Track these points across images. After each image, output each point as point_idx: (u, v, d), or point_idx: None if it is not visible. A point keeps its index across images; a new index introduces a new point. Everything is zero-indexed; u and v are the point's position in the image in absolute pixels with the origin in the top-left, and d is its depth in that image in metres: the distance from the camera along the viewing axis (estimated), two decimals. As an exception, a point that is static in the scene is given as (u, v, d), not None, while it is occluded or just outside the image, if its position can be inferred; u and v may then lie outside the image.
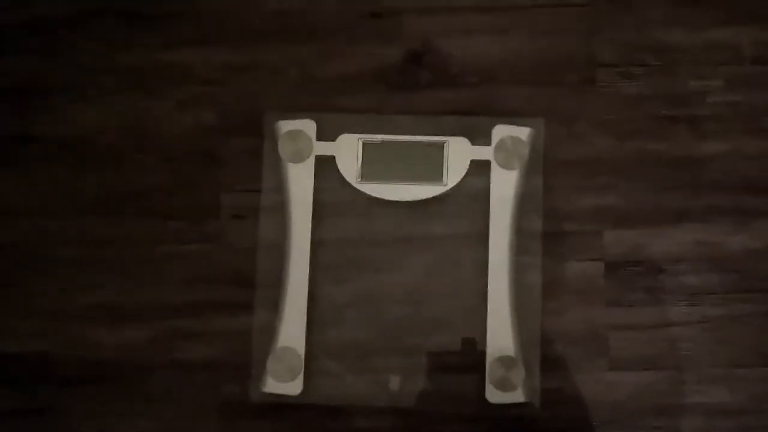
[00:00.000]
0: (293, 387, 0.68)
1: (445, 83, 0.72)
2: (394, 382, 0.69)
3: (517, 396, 0.67)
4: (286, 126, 0.71)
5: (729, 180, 0.70)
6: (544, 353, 0.68)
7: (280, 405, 0.68)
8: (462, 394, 0.68)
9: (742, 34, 0.72)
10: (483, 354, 0.68)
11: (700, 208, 0.70)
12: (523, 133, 0.70)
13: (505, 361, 0.67)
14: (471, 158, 0.70)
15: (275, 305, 0.69)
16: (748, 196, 0.70)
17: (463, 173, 0.70)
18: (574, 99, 0.72)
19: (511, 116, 0.71)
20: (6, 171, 0.72)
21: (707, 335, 0.69)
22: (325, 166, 0.70)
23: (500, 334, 0.68)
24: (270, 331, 0.69)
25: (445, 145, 0.70)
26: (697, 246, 0.70)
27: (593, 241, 0.70)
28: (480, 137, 0.70)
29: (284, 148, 0.70)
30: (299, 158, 0.70)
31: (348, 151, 0.70)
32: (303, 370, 0.68)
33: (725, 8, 0.72)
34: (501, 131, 0.70)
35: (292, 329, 0.68)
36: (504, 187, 0.69)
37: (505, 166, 0.70)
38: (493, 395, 0.67)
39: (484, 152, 0.70)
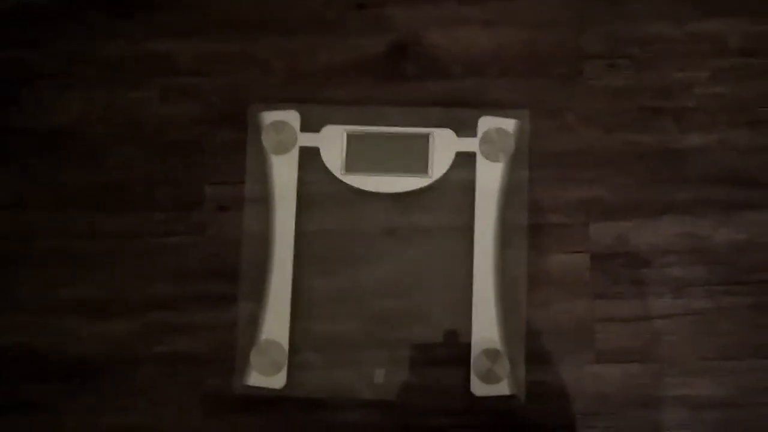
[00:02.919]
0: (277, 380, 0.68)
1: (431, 75, 0.72)
2: (379, 375, 0.68)
3: (503, 388, 0.67)
4: (270, 117, 0.70)
5: (715, 172, 0.70)
6: (530, 346, 0.68)
7: (264, 398, 0.68)
8: (447, 387, 0.68)
9: (727, 26, 0.72)
10: (468, 346, 0.67)
11: (686, 201, 0.70)
12: (508, 125, 0.70)
13: (490, 354, 0.67)
14: (456, 150, 0.70)
15: (259, 298, 0.68)
16: (734, 188, 0.70)
17: (449, 165, 0.69)
18: (560, 91, 0.71)
19: (497, 108, 0.70)
20: (-13, 162, 0.72)
21: (693, 327, 0.69)
22: (310, 157, 0.70)
23: (485, 327, 0.67)
24: (254, 324, 0.68)
25: (430, 136, 0.70)
26: (683, 238, 0.70)
27: (579, 233, 0.70)
28: (465, 129, 0.70)
29: (268, 140, 0.70)
30: (283, 150, 0.70)
31: (332, 143, 0.70)
32: (287, 363, 0.68)
33: (711, 1, 0.72)
34: (486, 123, 0.70)
35: (276, 322, 0.68)
36: (489, 179, 0.69)
37: (491, 158, 0.69)
38: (479, 388, 0.67)
39: (469, 144, 0.70)
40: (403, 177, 0.69)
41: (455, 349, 0.68)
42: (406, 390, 0.68)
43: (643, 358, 0.69)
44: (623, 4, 0.72)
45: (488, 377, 0.67)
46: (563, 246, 0.70)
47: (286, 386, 0.68)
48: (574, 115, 0.71)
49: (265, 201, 0.70)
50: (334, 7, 0.72)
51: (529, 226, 0.69)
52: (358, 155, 0.70)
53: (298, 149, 0.70)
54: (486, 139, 0.70)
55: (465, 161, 0.70)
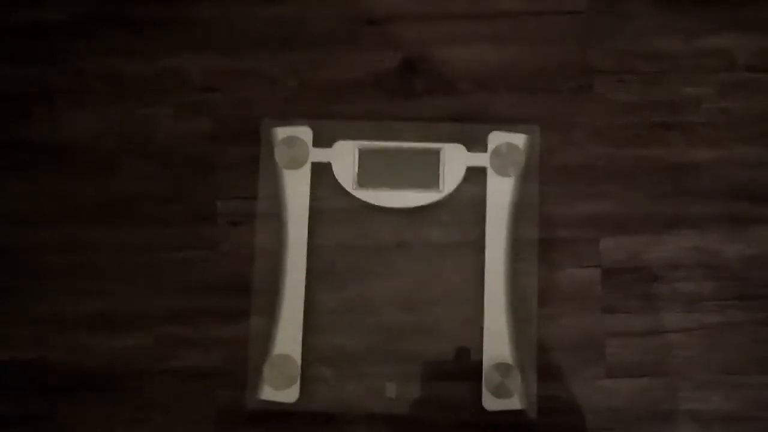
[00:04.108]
0: (289, 394, 0.68)
1: (441, 90, 0.72)
2: (391, 389, 0.69)
3: (514, 403, 0.67)
4: (282, 133, 0.71)
5: (724, 187, 0.71)
6: (541, 360, 0.68)
7: (277, 412, 0.68)
8: (458, 401, 0.68)
9: (735, 41, 0.72)
10: (479, 361, 0.68)
11: (696, 215, 0.70)
12: (518, 140, 0.70)
13: (501, 368, 0.67)
14: (467, 165, 0.70)
15: (272, 312, 0.69)
16: (743, 203, 0.70)
17: (459, 180, 0.70)
18: (569, 106, 0.72)
19: (507, 123, 0.71)
20: (2, 177, 0.72)
21: (703, 342, 0.69)
22: (322, 172, 0.70)
23: (497, 341, 0.68)
24: (266, 338, 0.68)
25: (441, 151, 0.70)
26: (692, 253, 0.70)
27: (589, 248, 0.70)
28: (476, 144, 0.70)
29: (281, 155, 0.70)
30: (296, 165, 0.70)
31: (344, 158, 0.70)
32: (299, 377, 0.68)
33: (719, 16, 0.72)
34: (497, 138, 0.70)
35: (288, 336, 0.68)
36: (500, 193, 0.70)
37: (501, 172, 0.70)
38: (490, 402, 0.67)
39: (480, 159, 0.70)
40: (414, 192, 0.70)
41: (467, 364, 0.68)
42: (418, 404, 0.68)
43: (653, 372, 0.69)
44: (632, 20, 0.73)
45: (500, 391, 0.67)
46: (574, 261, 0.70)
47: (298, 400, 0.68)
48: (584, 130, 0.72)
49: (277, 216, 0.70)
50: (345, 24, 0.73)
51: (539, 240, 0.70)
52: (370, 170, 0.70)
53: (311, 164, 0.70)
54: (496, 154, 0.70)
55: (476, 176, 0.70)
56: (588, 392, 0.68)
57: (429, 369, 0.69)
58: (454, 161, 0.70)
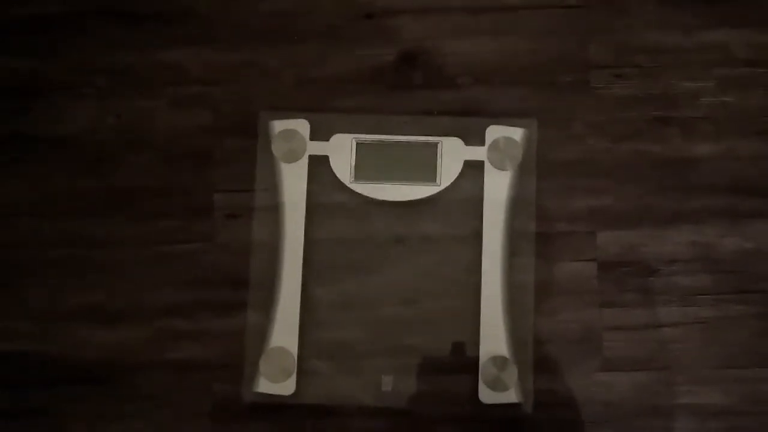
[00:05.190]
0: (286, 387, 0.68)
1: (439, 84, 0.72)
2: (387, 383, 0.69)
3: (510, 396, 0.67)
4: (279, 126, 0.71)
5: (722, 181, 0.70)
6: (537, 354, 0.68)
7: (273, 405, 0.68)
8: (455, 395, 0.68)
9: (734, 35, 0.72)
10: (476, 354, 0.68)
11: (693, 209, 0.70)
12: (516, 133, 0.70)
13: (498, 362, 0.67)
14: (464, 159, 0.70)
15: (268, 305, 0.69)
16: (741, 198, 0.70)
17: (457, 174, 0.70)
18: (567, 100, 0.72)
19: (505, 117, 0.71)
20: (0, 170, 0.73)
21: (700, 336, 0.69)
22: (319, 166, 0.70)
23: (493, 335, 0.68)
24: (263, 331, 0.68)
25: (438, 145, 0.70)
26: (690, 247, 0.70)
27: (586, 241, 0.70)
28: (473, 138, 0.70)
29: (278, 148, 0.70)
30: (293, 158, 0.70)
31: (342, 151, 0.70)
32: (296, 370, 0.68)
33: (717, 11, 0.72)
34: (494, 132, 0.70)
35: (284, 329, 0.68)
36: (497, 187, 0.70)
37: (499, 166, 0.70)
38: (486, 395, 0.67)
39: (477, 153, 0.70)
40: (411, 185, 0.70)
41: (463, 357, 0.68)
42: (414, 397, 0.68)
43: (650, 366, 0.69)
44: (630, 14, 0.73)
45: (496, 385, 0.67)
46: (571, 254, 0.70)
47: (294, 393, 0.68)
48: (582, 124, 0.71)
49: (274, 209, 0.70)
50: (343, 17, 0.73)
51: (536, 234, 0.70)
52: (367, 163, 0.70)
53: (308, 157, 0.70)
54: (494, 148, 0.70)
55: (473, 170, 0.70)
56: (584, 386, 0.68)
57: (425, 362, 0.69)
58: (452, 155, 0.70)
